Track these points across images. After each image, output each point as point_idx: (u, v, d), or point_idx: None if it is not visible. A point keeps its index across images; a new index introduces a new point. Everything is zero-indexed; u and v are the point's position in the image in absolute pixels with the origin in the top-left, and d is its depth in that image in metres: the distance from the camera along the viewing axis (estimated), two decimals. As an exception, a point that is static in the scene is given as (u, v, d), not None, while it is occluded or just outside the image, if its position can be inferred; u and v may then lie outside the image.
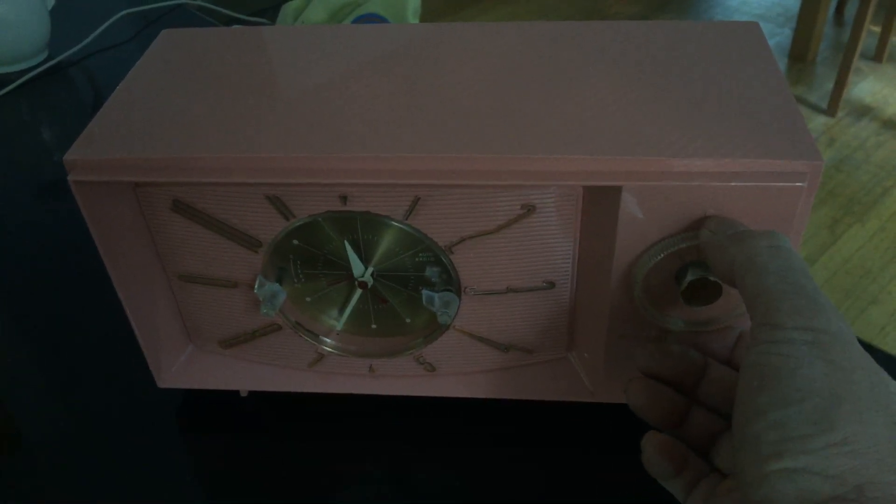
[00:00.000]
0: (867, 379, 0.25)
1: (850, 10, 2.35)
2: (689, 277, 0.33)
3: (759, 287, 0.28)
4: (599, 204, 0.34)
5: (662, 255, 0.33)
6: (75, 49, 0.80)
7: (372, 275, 0.38)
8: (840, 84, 1.93)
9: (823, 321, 0.26)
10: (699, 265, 0.33)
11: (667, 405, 0.33)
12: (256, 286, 0.38)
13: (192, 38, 0.43)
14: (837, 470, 0.24)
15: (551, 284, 0.38)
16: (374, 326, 0.41)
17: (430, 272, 0.38)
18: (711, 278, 0.33)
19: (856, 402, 0.24)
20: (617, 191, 0.32)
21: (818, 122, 1.96)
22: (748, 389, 0.26)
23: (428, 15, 1.05)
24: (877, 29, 2.14)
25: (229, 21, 0.91)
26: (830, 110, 1.97)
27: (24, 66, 0.79)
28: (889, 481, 0.23)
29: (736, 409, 0.27)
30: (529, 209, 0.35)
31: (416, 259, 0.38)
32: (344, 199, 0.35)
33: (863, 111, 1.99)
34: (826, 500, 0.23)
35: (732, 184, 0.31)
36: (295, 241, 0.38)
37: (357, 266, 0.38)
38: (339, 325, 0.41)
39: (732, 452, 0.31)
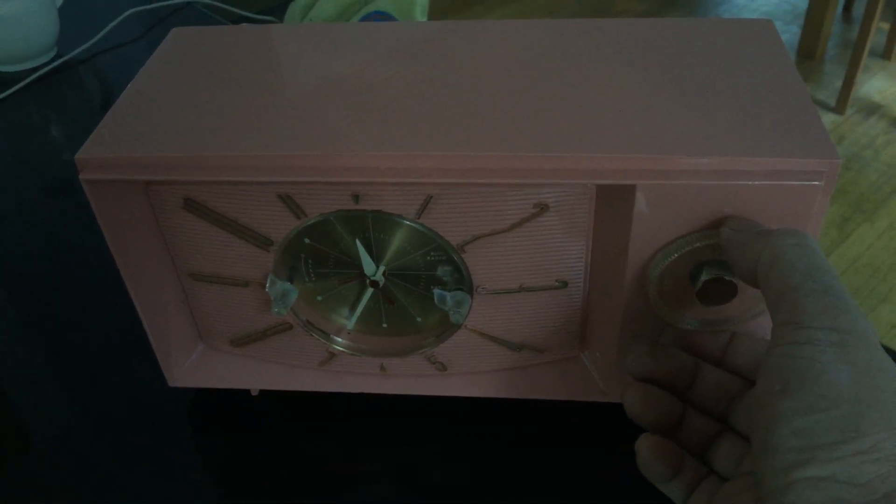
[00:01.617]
0: (892, 383, 0.25)
1: (859, 8, 2.34)
2: (705, 277, 0.33)
3: (784, 285, 0.27)
4: (613, 203, 0.34)
5: (677, 255, 0.33)
6: (84, 47, 0.80)
7: (383, 274, 0.38)
8: (848, 82, 1.92)
9: (849, 321, 0.26)
10: (714, 264, 0.33)
11: (663, 409, 0.33)
12: (268, 285, 0.38)
13: (203, 37, 0.43)
14: (866, 478, 0.23)
15: (564, 284, 0.37)
16: (385, 325, 0.41)
17: (442, 271, 0.38)
18: (727, 278, 0.32)
19: (882, 408, 0.24)
20: (631, 189, 0.32)
21: (826, 120, 1.95)
22: (769, 393, 0.26)
23: (435, 12, 1.05)
24: (885, 26, 2.12)
25: (237, 19, 0.91)
26: (839, 108, 1.96)
27: (32, 64, 0.79)
28: None
29: (756, 414, 0.26)
30: (542, 208, 0.35)
31: (428, 258, 0.37)
32: (356, 197, 0.35)
33: (871, 109, 1.98)
34: None
35: (748, 182, 0.31)
36: (306, 240, 0.37)
37: (369, 265, 0.38)
38: (350, 324, 0.41)
39: (751, 458, 0.31)
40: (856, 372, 0.25)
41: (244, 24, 0.82)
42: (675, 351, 0.35)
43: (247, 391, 0.44)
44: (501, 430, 0.42)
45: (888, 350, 0.43)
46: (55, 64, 0.78)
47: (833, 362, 0.25)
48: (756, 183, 0.31)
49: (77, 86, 0.77)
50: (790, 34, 2.29)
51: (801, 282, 0.27)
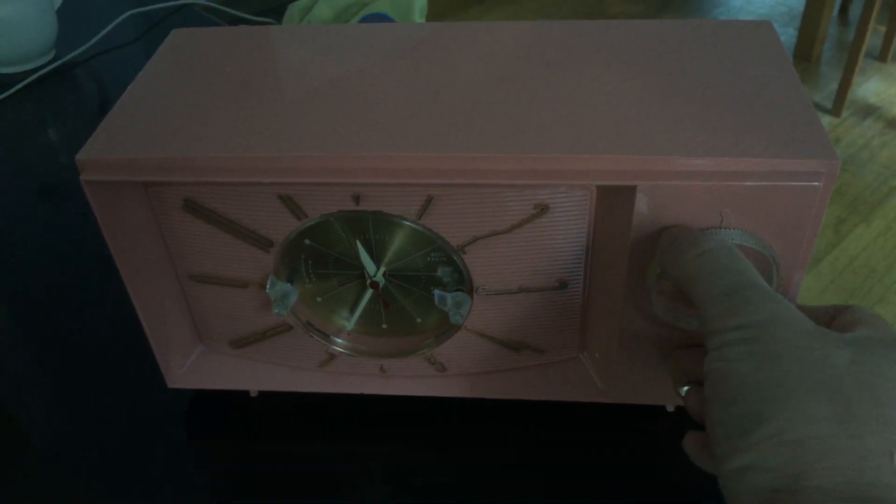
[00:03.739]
0: (800, 360, 0.26)
1: (855, 10, 2.35)
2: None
3: (695, 297, 0.29)
4: (613, 203, 0.34)
5: (677, 255, 0.33)
6: (81, 49, 0.80)
7: (384, 275, 0.38)
8: (845, 84, 1.93)
9: (750, 312, 0.27)
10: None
11: None
12: (268, 286, 0.38)
13: (203, 38, 0.43)
14: (776, 462, 0.24)
15: (564, 284, 0.38)
16: (384, 326, 0.41)
17: (442, 272, 0.38)
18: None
19: (788, 391, 0.25)
20: (631, 190, 0.32)
21: (823, 122, 1.95)
22: (707, 401, 0.28)
23: (433, 14, 1.05)
24: (882, 28, 2.13)
25: (235, 21, 0.91)
26: (835, 110, 1.97)
27: (30, 66, 0.78)
28: (828, 466, 0.24)
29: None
30: (542, 209, 0.35)
31: (428, 259, 0.37)
32: (356, 198, 0.35)
33: (868, 111, 1.98)
34: (769, 494, 0.24)
35: (747, 183, 0.31)
36: (307, 241, 0.37)
37: (369, 266, 0.38)
38: (349, 325, 0.41)
39: None
40: (761, 361, 0.26)
41: (242, 25, 0.83)
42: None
43: (245, 393, 0.44)
44: (500, 431, 0.42)
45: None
46: (53, 66, 0.78)
47: (739, 359, 0.27)
48: (755, 184, 0.31)
49: (75, 88, 0.77)
50: (786, 36, 2.30)
51: (705, 292, 0.29)
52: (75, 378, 0.47)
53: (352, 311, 0.40)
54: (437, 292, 0.38)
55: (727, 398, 0.27)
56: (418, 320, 0.41)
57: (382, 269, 0.38)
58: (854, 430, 0.24)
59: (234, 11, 0.92)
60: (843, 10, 2.41)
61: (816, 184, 0.31)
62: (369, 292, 0.39)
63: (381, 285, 0.38)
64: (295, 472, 0.41)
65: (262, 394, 0.44)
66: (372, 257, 0.38)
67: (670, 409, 0.41)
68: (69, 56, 0.79)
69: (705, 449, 0.32)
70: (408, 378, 0.42)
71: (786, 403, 0.25)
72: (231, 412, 0.44)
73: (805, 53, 2.18)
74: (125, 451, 0.42)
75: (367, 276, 0.38)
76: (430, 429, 0.42)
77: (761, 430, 0.25)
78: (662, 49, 0.38)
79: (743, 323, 0.27)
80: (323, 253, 0.38)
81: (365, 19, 0.76)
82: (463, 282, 0.38)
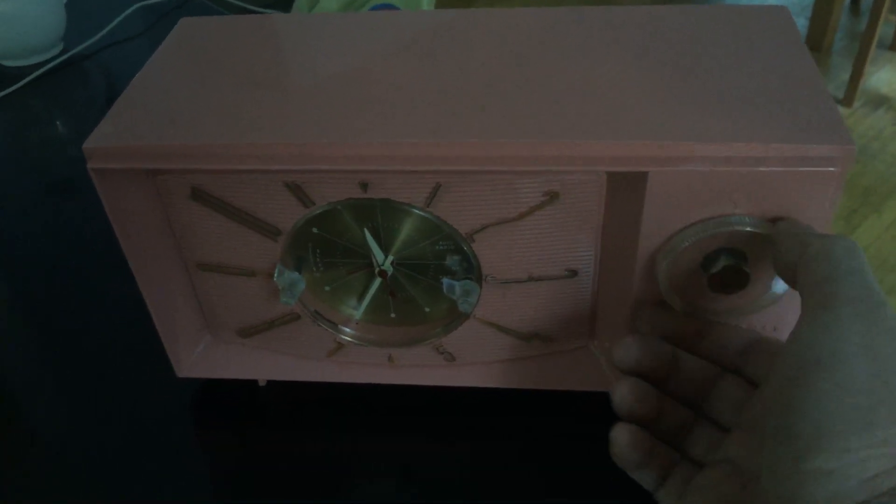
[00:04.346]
0: None
1: (867, 0, 2.33)
2: (723, 262, 0.32)
3: (824, 275, 0.27)
4: (624, 190, 0.33)
5: (689, 243, 0.32)
6: (90, 42, 0.80)
7: (392, 263, 0.38)
8: (856, 74, 1.91)
9: (882, 315, 0.25)
10: (732, 252, 0.32)
11: (650, 402, 0.34)
12: (276, 275, 0.38)
13: (211, 27, 0.43)
14: (872, 472, 0.23)
15: (573, 273, 0.37)
16: (393, 315, 0.41)
17: (451, 260, 0.37)
18: (745, 269, 0.32)
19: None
20: (642, 177, 0.31)
21: (834, 112, 1.94)
22: (786, 380, 0.26)
23: (442, 2, 1.04)
24: (894, 18, 2.11)
25: (243, 12, 0.90)
26: (847, 101, 1.95)
27: (39, 59, 0.79)
28: None
29: (770, 400, 0.26)
30: (552, 196, 0.34)
31: (437, 247, 0.37)
32: (364, 186, 0.35)
33: (879, 101, 1.97)
34: (857, 503, 0.23)
35: (761, 169, 0.30)
36: (314, 230, 0.37)
37: (377, 254, 0.38)
38: (358, 314, 0.41)
39: (753, 444, 0.31)
40: (876, 364, 0.24)
41: (250, 15, 0.82)
42: (655, 341, 0.35)
43: (253, 383, 0.44)
44: (509, 422, 0.42)
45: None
46: (62, 59, 0.78)
47: (854, 352, 0.25)
48: (769, 169, 0.30)
49: (83, 80, 0.77)
50: (797, 26, 2.28)
51: (842, 275, 0.27)
52: (81, 372, 0.47)
53: (360, 300, 0.40)
54: (445, 281, 0.38)
55: (829, 392, 0.24)
56: (427, 309, 0.40)
57: (391, 257, 0.38)
58: None
59: (241, 3, 0.92)
60: (855, -1, 2.39)
61: (832, 169, 0.30)
62: (377, 281, 0.39)
63: (389, 274, 0.38)
64: (301, 464, 0.40)
65: (269, 383, 0.44)
66: (380, 245, 0.37)
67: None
68: (77, 49, 0.79)
69: (642, 448, 0.32)
70: (416, 367, 0.42)
71: (894, 416, 0.23)
72: (238, 403, 0.44)
73: (816, 43, 2.16)
74: (130, 446, 0.42)
75: (375, 264, 0.38)
76: (437, 420, 0.42)
77: (867, 436, 0.23)
78: (675, 35, 0.38)
79: (870, 316, 0.25)
80: (331, 241, 0.38)
81: (373, 9, 0.76)
82: (472, 270, 0.38)
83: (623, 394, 0.33)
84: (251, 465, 0.41)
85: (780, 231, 0.31)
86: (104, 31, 0.81)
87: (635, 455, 0.32)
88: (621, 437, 0.33)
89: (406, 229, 0.37)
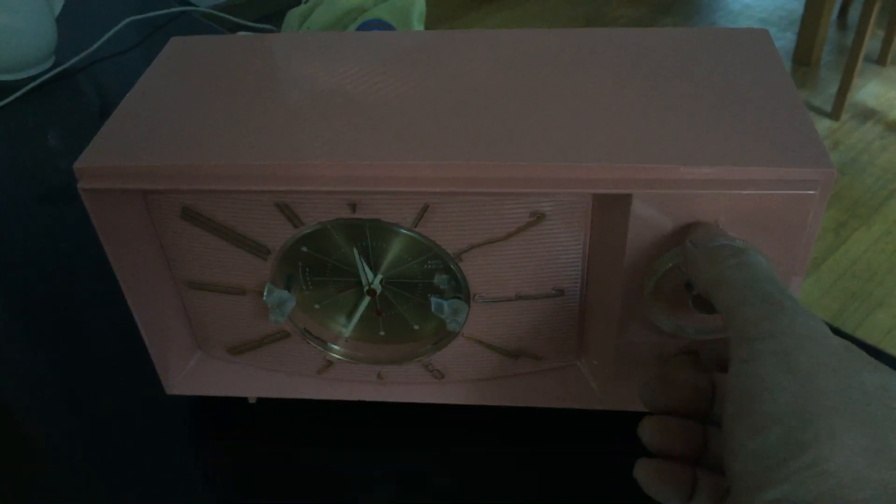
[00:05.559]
0: (838, 384, 0.24)
1: (854, 14, 2.35)
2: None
3: (727, 305, 0.28)
4: (609, 211, 0.34)
5: (672, 264, 0.33)
6: (81, 56, 0.80)
7: (381, 282, 0.38)
8: (844, 88, 1.93)
9: (786, 322, 0.26)
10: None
11: (683, 438, 0.32)
12: (265, 293, 0.38)
13: (201, 46, 0.43)
14: (812, 495, 0.23)
15: (560, 292, 0.38)
16: (382, 333, 0.41)
17: (439, 279, 0.38)
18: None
19: (826, 418, 0.24)
20: (627, 198, 0.32)
21: (822, 125, 1.95)
22: (728, 418, 0.26)
23: (432, 19, 1.05)
24: (880, 32, 2.13)
25: (234, 27, 0.91)
26: (834, 114, 1.97)
27: (30, 73, 0.79)
28: (863, 498, 0.22)
29: (723, 439, 0.26)
30: (539, 217, 0.35)
31: (425, 266, 0.37)
32: (353, 206, 0.35)
33: (867, 114, 1.99)
34: None
35: (743, 192, 0.31)
36: (304, 249, 0.38)
37: (366, 274, 0.38)
38: (347, 332, 0.41)
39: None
40: (798, 381, 0.24)
41: (241, 32, 0.83)
42: (687, 375, 0.33)
43: (244, 399, 0.44)
44: (498, 438, 0.42)
45: (884, 354, 0.43)
46: (53, 73, 0.79)
47: (774, 375, 0.25)
48: (751, 192, 0.31)
49: (75, 94, 0.77)
50: (785, 40, 2.30)
51: (742, 297, 0.28)
52: (76, 382, 0.47)
53: (349, 318, 0.40)
54: (434, 300, 0.38)
55: (759, 423, 0.24)
56: (416, 327, 0.41)
57: (380, 276, 0.38)
58: (885, 463, 0.23)
59: (233, 18, 0.92)
60: (843, 13, 2.41)
61: (812, 192, 0.31)
62: (366, 299, 0.39)
63: (378, 293, 0.39)
64: (294, 476, 0.41)
65: (260, 399, 0.44)
66: (369, 265, 0.38)
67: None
68: (69, 63, 0.79)
69: (664, 479, 0.31)
70: (405, 385, 0.42)
71: (824, 433, 0.23)
72: (231, 417, 0.44)
73: (804, 57, 2.18)
74: (125, 456, 0.42)
75: (364, 283, 0.38)
76: (428, 435, 0.42)
77: (800, 459, 0.23)
78: (658, 57, 0.38)
79: (778, 331, 0.26)
80: (320, 260, 0.38)
81: (363, 25, 0.77)
82: (460, 289, 0.38)
83: (648, 435, 0.32)
84: (245, 475, 0.41)
85: (686, 256, 0.31)
86: (96, 45, 0.81)
87: (668, 489, 0.31)
88: (641, 474, 0.31)
89: (395, 249, 0.37)
